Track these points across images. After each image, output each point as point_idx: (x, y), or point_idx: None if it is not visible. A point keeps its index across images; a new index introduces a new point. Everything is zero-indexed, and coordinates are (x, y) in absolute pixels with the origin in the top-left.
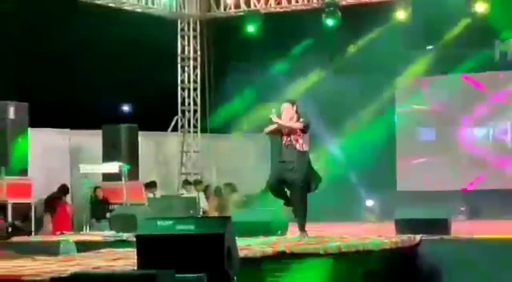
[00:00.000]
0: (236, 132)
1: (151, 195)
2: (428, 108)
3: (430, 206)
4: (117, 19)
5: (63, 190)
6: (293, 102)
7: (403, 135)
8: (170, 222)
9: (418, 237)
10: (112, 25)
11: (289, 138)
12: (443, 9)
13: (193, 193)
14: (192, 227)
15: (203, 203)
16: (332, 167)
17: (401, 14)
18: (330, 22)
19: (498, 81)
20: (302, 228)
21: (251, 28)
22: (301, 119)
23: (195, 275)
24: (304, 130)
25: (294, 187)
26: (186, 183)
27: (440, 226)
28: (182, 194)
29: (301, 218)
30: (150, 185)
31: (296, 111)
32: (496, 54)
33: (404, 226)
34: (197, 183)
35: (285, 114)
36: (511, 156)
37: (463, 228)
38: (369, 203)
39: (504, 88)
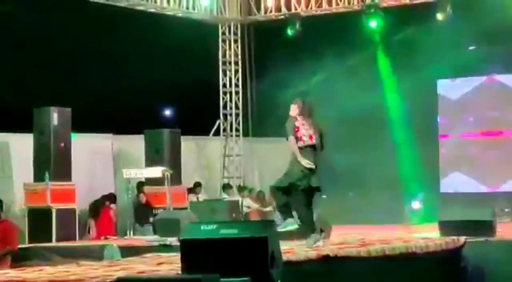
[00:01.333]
0: (279, 135)
1: (194, 198)
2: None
3: (474, 207)
4: (160, 24)
5: (110, 198)
6: (297, 102)
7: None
8: (214, 226)
9: (462, 239)
10: (155, 30)
11: None
12: None
13: (235, 196)
14: (235, 231)
15: (250, 205)
16: (378, 169)
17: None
18: (373, 23)
19: None
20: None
21: (291, 31)
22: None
23: (240, 279)
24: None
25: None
26: (227, 187)
27: (485, 227)
28: (225, 198)
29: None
30: (195, 186)
31: (302, 111)
32: None
33: (448, 227)
34: (241, 189)
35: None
36: None
37: (507, 229)
38: (415, 204)
39: None
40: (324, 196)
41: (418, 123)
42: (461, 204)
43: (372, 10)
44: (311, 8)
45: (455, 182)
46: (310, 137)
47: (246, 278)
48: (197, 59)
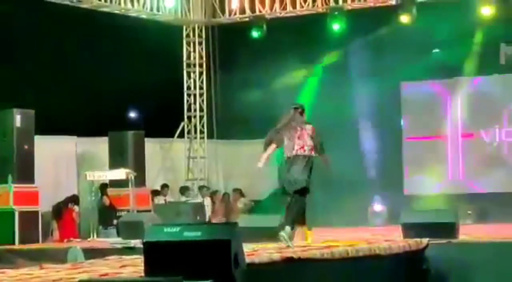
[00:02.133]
0: (243, 138)
1: (162, 200)
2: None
3: (437, 210)
4: (125, 26)
5: (73, 199)
6: (290, 109)
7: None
8: (177, 229)
9: (425, 241)
10: (120, 32)
11: None
12: None
13: (199, 198)
14: (199, 233)
15: (211, 209)
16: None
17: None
18: (336, 26)
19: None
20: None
21: (255, 34)
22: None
23: (203, 281)
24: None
25: None
26: (186, 189)
27: (447, 229)
28: (188, 200)
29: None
30: (162, 188)
31: (292, 117)
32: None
33: (411, 229)
34: (201, 188)
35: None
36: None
37: (470, 231)
38: (377, 207)
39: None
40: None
41: (382, 126)
42: (424, 206)
43: (336, 13)
44: (275, 10)
45: (418, 183)
46: None
47: (209, 281)
48: (161, 61)
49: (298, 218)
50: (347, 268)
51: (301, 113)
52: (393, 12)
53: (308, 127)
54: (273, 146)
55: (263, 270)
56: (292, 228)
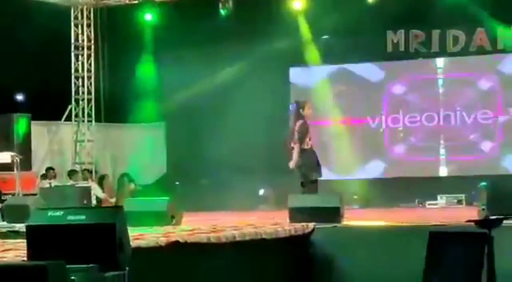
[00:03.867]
0: (132, 122)
1: (47, 184)
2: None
3: (322, 194)
4: (10, 7)
5: None
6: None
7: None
8: (61, 212)
9: (311, 225)
10: (6, 13)
11: None
12: None
13: (87, 182)
14: (83, 217)
15: (100, 193)
16: (230, 156)
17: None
18: (223, 12)
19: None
20: None
21: (148, 17)
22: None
23: (87, 266)
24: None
25: None
26: (73, 172)
27: (333, 214)
28: (76, 183)
29: None
30: (47, 171)
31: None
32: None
33: (298, 214)
34: (88, 172)
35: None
36: (402, 145)
37: (356, 215)
38: (265, 192)
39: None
40: (177, 183)
41: (270, 111)
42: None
43: None
44: None
45: None
46: None
47: (92, 265)
48: (49, 43)
49: None
50: (234, 252)
51: (299, 109)
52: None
53: (297, 123)
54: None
55: (148, 254)
56: None
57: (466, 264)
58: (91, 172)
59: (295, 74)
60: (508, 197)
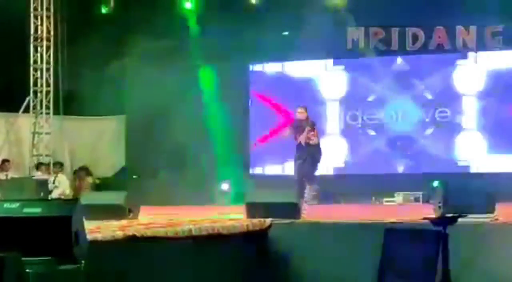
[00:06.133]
0: (91, 114)
1: (3, 176)
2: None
3: (281, 190)
4: None
5: None
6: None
7: (256, 119)
8: (17, 205)
9: (268, 221)
10: None
11: None
12: None
13: (46, 175)
14: (39, 209)
15: (62, 185)
16: (189, 150)
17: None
18: (188, 5)
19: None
20: None
21: (103, 9)
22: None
23: (42, 258)
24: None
25: None
26: (40, 165)
27: (290, 209)
28: (34, 176)
29: None
30: (3, 163)
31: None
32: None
33: (255, 209)
34: (50, 165)
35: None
36: (360, 142)
37: (314, 211)
38: (224, 186)
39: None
40: (136, 176)
41: (231, 107)
42: (269, 186)
43: None
44: None
45: (265, 163)
46: None
47: (48, 258)
48: (8, 34)
49: None
50: (191, 247)
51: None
52: None
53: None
54: None
55: (105, 247)
56: None
57: (421, 261)
58: (58, 165)
59: (255, 69)
60: (464, 195)
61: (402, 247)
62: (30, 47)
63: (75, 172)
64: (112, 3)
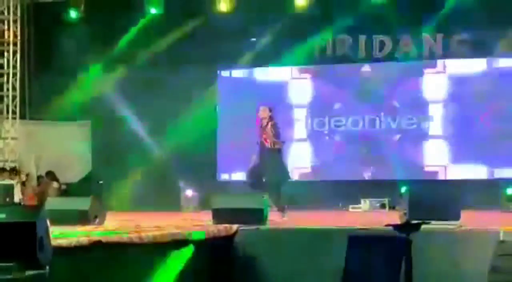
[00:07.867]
0: (57, 119)
1: None
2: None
3: (246, 195)
4: None
5: None
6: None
7: (224, 124)
8: None
9: (234, 227)
10: None
11: None
12: None
13: (9, 180)
14: (3, 215)
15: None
16: (156, 156)
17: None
18: (153, 10)
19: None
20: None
21: (73, 14)
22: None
23: (6, 264)
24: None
25: None
26: (2, 170)
27: (255, 215)
28: (5, 181)
29: None
30: None
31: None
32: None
33: (222, 215)
34: (13, 171)
35: None
36: (327, 148)
37: (280, 218)
38: (189, 192)
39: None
40: (101, 182)
41: (197, 112)
42: (237, 192)
43: None
44: None
45: (231, 169)
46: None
47: (11, 264)
48: None
49: None
50: (156, 253)
51: None
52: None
53: None
54: None
55: (70, 253)
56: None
57: (385, 267)
58: (19, 170)
59: (223, 75)
60: (428, 202)
61: (365, 254)
62: None
63: (40, 177)
64: (80, 9)
